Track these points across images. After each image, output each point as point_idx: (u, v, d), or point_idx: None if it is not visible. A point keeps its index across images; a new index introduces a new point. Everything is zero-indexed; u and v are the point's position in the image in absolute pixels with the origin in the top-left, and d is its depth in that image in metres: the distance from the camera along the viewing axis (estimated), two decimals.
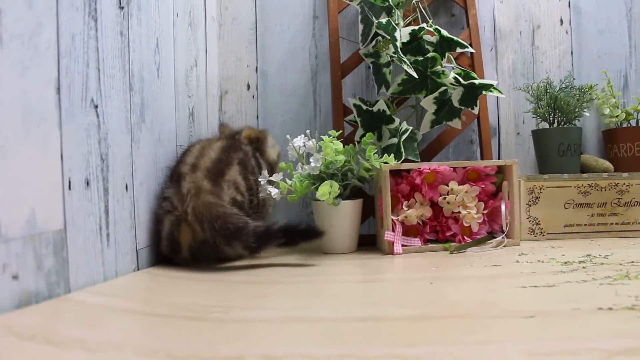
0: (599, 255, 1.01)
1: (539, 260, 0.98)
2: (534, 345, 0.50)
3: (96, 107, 0.88)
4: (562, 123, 1.36)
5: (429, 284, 0.82)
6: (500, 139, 1.52)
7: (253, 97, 1.54)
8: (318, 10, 1.54)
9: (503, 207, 1.19)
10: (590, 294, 0.71)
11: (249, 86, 1.55)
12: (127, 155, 0.99)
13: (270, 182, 1.16)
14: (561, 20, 1.52)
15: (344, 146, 1.21)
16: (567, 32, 1.52)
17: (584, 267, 0.89)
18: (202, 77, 1.43)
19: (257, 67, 1.54)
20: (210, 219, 1.02)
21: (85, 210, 0.84)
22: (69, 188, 0.80)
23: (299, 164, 1.21)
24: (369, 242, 1.28)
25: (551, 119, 1.36)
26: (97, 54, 0.89)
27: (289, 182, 1.16)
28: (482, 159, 1.39)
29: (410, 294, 0.78)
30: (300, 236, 1.06)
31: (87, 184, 0.85)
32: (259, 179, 1.15)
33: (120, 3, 0.97)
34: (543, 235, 1.27)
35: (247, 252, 1.05)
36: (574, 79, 1.40)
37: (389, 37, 1.20)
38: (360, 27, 1.35)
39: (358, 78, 1.52)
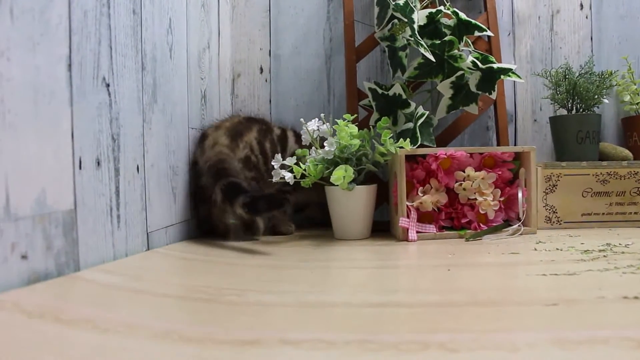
0: (619, 244, 0.98)
1: (557, 249, 0.96)
2: (560, 333, 0.48)
3: (108, 85, 0.86)
4: (581, 110, 1.33)
5: (447, 271, 0.80)
6: (517, 126, 1.49)
7: (266, 80, 1.52)
8: None
9: (520, 195, 1.17)
10: (614, 282, 0.69)
11: (262, 69, 1.53)
12: (138, 135, 0.97)
13: (283, 167, 1.14)
14: (581, 5, 1.49)
15: (358, 130, 1.19)
16: (587, 17, 1.49)
17: (604, 256, 0.87)
18: (215, 59, 1.41)
19: (270, 50, 1.52)
20: (214, 163, 1.15)
21: (96, 190, 0.83)
22: (80, 167, 0.78)
23: (313, 148, 1.18)
24: (382, 229, 1.26)
25: (569, 105, 1.33)
26: (110, 32, 0.87)
27: (302, 166, 1.14)
28: (498, 145, 1.37)
29: (428, 280, 0.76)
30: (263, 201, 1.06)
31: (98, 163, 0.84)
32: (272, 163, 1.13)
33: None
34: (560, 224, 1.25)
35: (222, 197, 1.09)
36: (593, 64, 1.37)
37: (405, 20, 1.17)
38: (376, 9, 1.32)
39: (372, 62, 1.50)
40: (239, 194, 1.05)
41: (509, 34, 1.49)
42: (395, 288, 0.72)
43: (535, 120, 1.49)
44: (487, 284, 0.72)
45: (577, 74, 1.33)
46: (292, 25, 1.52)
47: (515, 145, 1.48)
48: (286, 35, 1.52)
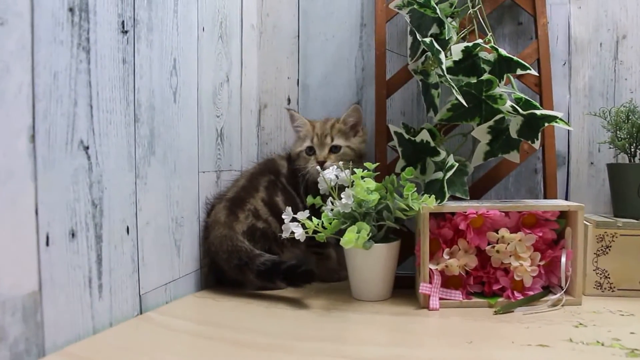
0: None
1: (598, 341, 0.81)
2: None
3: (87, 148, 0.79)
4: None
5: None
6: (570, 169, 1.31)
7: None
8: (366, 18, 1.38)
9: (563, 259, 1.02)
10: None
11: (289, 100, 1.43)
12: (129, 194, 0.90)
13: (295, 219, 1.04)
14: None
15: (383, 178, 1.07)
16: None
17: None
18: (236, 92, 1.32)
19: (298, 80, 1.42)
20: (227, 257, 1.10)
21: (70, 264, 0.77)
22: (47, 244, 0.72)
23: (330, 198, 1.08)
24: (408, 285, 1.13)
25: (632, 151, 1.15)
26: (90, 89, 0.80)
27: (316, 221, 1.03)
28: (545, 194, 1.20)
29: None
30: (299, 279, 1.05)
31: (73, 235, 0.77)
32: (283, 216, 1.04)
33: (123, 27, 0.87)
34: (613, 291, 1.08)
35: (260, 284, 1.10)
36: None
37: None
38: (409, 39, 1.19)
39: (408, 94, 1.36)
40: (273, 278, 1.07)
41: (565, 64, 1.31)
42: None
43: (592, 164, 1.31)
44: None
45: None
46: (321, 52, 1.40)
47: (567, 191, 1.31)
48: (315, 63, 1.41)
